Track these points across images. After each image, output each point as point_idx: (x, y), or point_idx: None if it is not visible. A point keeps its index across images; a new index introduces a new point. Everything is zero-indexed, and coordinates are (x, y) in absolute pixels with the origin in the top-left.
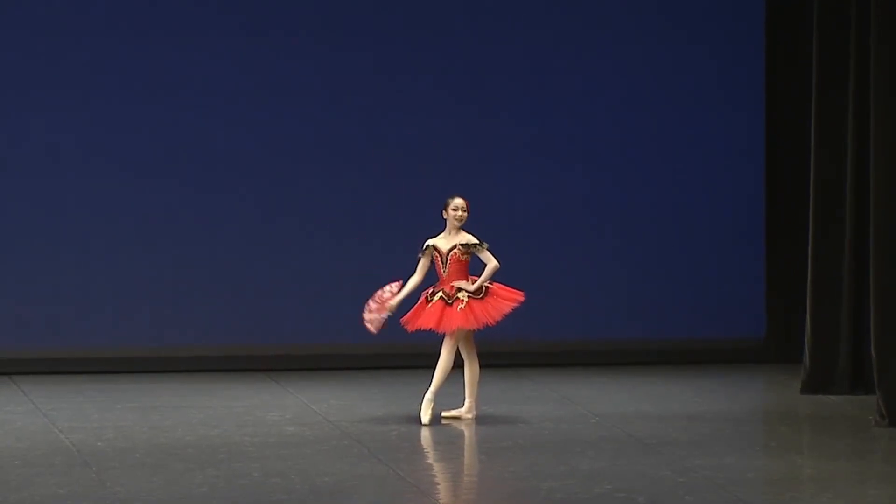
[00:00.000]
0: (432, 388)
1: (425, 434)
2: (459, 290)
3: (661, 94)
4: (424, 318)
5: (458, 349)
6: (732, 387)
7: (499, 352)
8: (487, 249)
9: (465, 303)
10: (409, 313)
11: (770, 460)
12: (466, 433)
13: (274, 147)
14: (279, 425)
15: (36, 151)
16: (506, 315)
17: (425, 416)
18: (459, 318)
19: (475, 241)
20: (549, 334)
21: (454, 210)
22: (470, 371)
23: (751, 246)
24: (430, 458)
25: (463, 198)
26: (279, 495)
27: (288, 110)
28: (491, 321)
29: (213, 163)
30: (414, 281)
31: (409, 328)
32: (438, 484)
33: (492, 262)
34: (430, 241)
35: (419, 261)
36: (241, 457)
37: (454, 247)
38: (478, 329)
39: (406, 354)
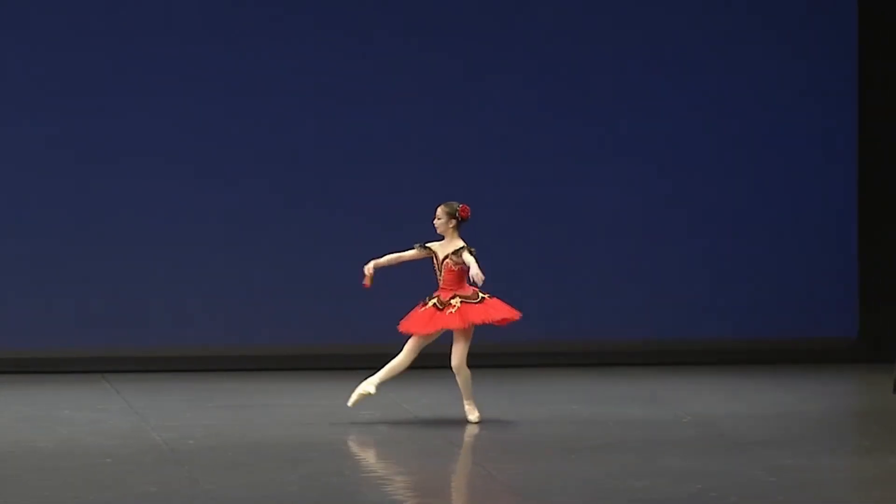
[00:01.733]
0: (376, 379)
1: (514, 433)
2: (454, 296)
3: (753, 95)
4: (413, 322)
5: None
6: (824, 386)
7: (589, 351)
8: (470, 253)
9: (456, 308)
10: (404, 318)
11: (862, 460)
12: (555, 433)
13: (364, 149)
14: (371, 423)
15: (133, 152)
16: (494, 321)
17: (351, 400)
18: (446, 320)
19: (461, 244)
20: (639, 333)
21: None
22: (462, 379)
23: (843, 246)
24: (520, 458)
25: (442, 205)
26: (370, 494)
27: (377, 111)
28: (478, 321)
29: (301, 164)
30: (398, 255)
31: (407, 329)
32: (529, 483)
33: (472, 264)
34: (431, 244)
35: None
36: (333, 455)
37: (447, 255)
38: (464, 328)
39: (496, 354)
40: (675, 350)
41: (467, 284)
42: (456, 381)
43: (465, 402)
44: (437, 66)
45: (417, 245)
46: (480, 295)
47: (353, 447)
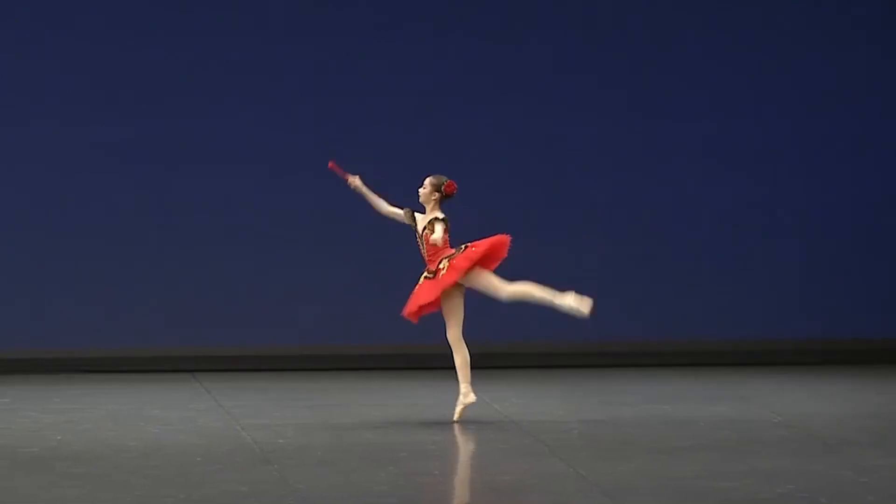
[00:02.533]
0: (466, 385)
1: (604, 433)
2: (441, 260)
3: (843, 94)
4: (421, 296)
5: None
6: None
7: (679, 351)
8: (438, 223)
9: (445, 267)
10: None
11: None
12: (645, 433)
13: (445, 145)
14: (459, 423)
15: (207, 151)
16: (486, 250)
17: (456, 414)
18: (442, 281)
19: (439, 214)
20: (729, 333)
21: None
22: (460, 358)
23: None
24: (609, 458)
25: (431, 176)
26: (461, 491)
27: (460, 109)
28: (468, 261)
29: (372, 162)
30: (384, 203)
31: (412, 317)
32: (619, 484)
33: (437, 230)
34: (417, 214)
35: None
36: (422, 455)
37: (425, 227)
38: (464, 275)
39: (587, 353)
40: (763, 349)
41: (450, 248)
42: (454, 358)
43: (463, 383)
44: (518, 63)
45: (406, 209)
46: (463, 246)
47: (442, 447)
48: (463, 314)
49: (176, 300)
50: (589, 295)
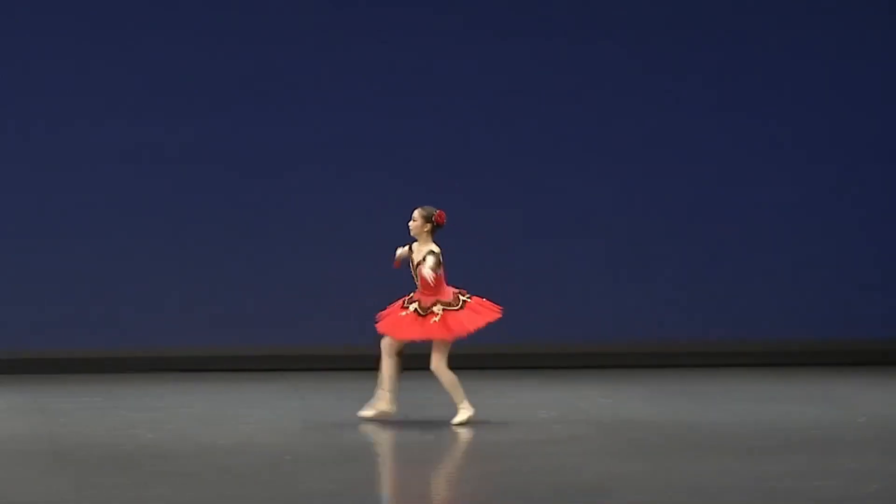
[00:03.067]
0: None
1: (689, 432)
2: (437, 303)
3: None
4: (403, 330)
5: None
6: None
7: (763, 351)
8: (432, 253)
9: (439, 316)
10: (385, 312)
11: None
12: (734, 432)
13: (535, 145)
14: (546, 422)
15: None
16: (479, 328)
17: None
18: (429, 329)
19: (434, 248)
20: (812, 333)
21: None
22: (447, 381)
23: None
24: (693, 457)
25: (419, 208)
26: (545, 491)
27: (551, 110)
28: (463, 332)
29: (453, 164)
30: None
31: (386, 332)
32: (701, 483)
33: (426, 264)
34: (415, 245)
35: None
36: (510, 453)
37: (420, 260)
38: (449, 340)
39: (674, 353)
40: (846, 350)
41: (446, 287)
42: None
43: (459, 404)
44: (610, 64)
45: (406, 247)
46: (461, 299)
47: (531, 445)
48: (447, 348)
49: (266, 300)
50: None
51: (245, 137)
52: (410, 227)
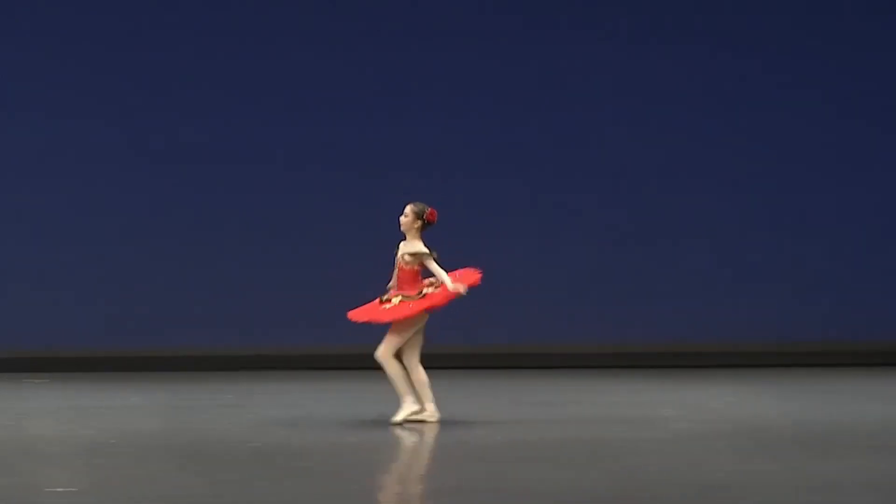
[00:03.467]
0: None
1: (816, 431)
2: (398, 295)
3: None
4: (360, 312)
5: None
6: None
7: (856, 351)
8: (435, 260)
9: (392, 303)
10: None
11: None
12: (855, 431)
13: (652, 148)
14: (673, 421)
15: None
16: (435, 307)
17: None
18: (378, 313)
19: (424, 250)
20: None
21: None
22: (416, 377)
23: None
24: (820, 456)
25: (412, 204)
26: (672, 489)
27: (668, 109)
28: (400, 316)
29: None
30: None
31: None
32: (827, 482)
33: (441, 275)
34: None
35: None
36: (636, 452)
37: (404, 253)
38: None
39: (800, 353)
40: None
41: (421, 282)
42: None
43: (402, 397)
44: (731, 70)
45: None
46: (423, 291)
47: (656, 444)
48: (397, 336)
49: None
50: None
51: (260, 137)
52: (401, 222)
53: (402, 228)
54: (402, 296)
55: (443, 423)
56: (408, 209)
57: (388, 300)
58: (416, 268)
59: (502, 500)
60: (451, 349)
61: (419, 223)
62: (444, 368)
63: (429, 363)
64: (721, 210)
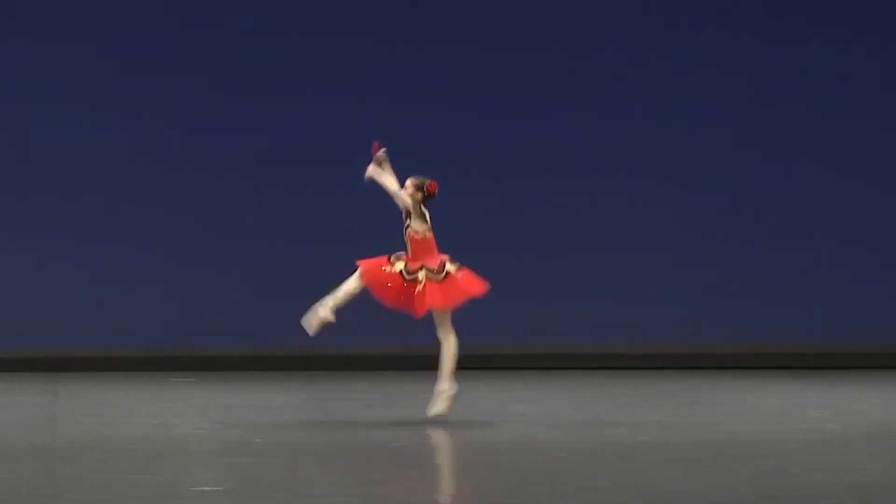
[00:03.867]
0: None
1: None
2: (421, 267)
3: None
4: (386, 292)
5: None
6: None
7: None
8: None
9: (422, 284)
10: (371, 265)
11: None
12: None
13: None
14: (820, 422)
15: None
16: (457, 304)
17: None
18: (408, 301)
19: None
20: None
21: None
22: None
23: None
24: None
25: (412, 177)
26: (817, 490)
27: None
28: (438, 305)
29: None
30: (394, 186)
31: (370, 285)
32: None
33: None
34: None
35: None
36: (781, 452)
37: (407, 226)
38: (420, 315)
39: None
40: None
41: (437, 253)
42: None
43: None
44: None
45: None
46: (446, 268)
47: (803, 445)
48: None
49: (540, 299)
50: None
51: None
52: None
53: (403, 203)
54: (426, 269)
55: (590, 424)
56: (408, 182)
57: (414, 276)
58: (427, 236)
59: (650, 501)
60: (590, 349)
61: (419, 195)
62: (584, 369)
63: (568, 364)
64: (868, 208)
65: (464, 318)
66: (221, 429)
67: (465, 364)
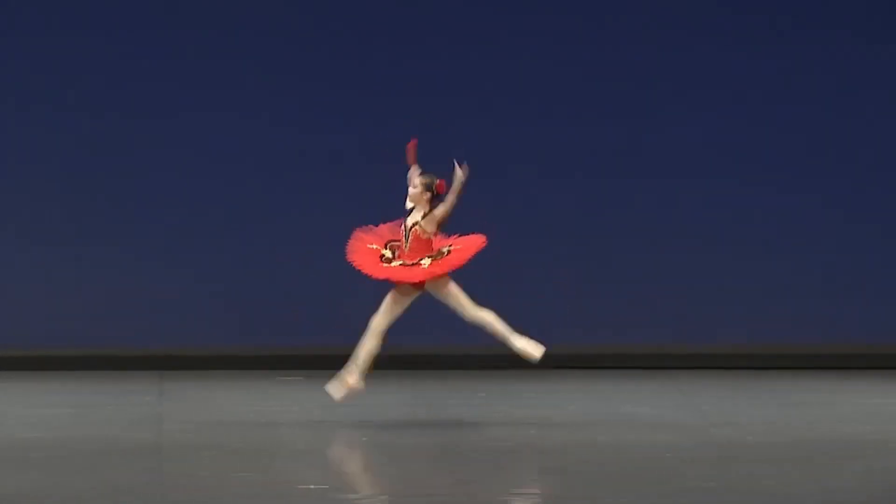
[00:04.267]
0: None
1: None
2: (425, 257)
3: None
4: (392, 272)
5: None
6: None
7: None
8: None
9: (427, 263)
10: (361, 256)
11: None
12: None
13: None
14: None
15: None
16: (468, 260)
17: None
18: (424, 272)
19: (437, 211)
20: None
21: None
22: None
23: None
24: None
25: (421, 175)
26: None
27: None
28: (451, 266)
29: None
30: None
31: (377, 274)
32: None
33: (452, 198)
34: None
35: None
36: (887, 453)
37: (416, 222)
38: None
39: None
40: None
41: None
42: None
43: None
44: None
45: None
46: (443, 251)
47: None
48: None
49: (646, 297)
50: None
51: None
52: (410, 194)
53: (411, 201)
54: (428, 258)
55: (695, 424)
56: (418, 181)
57: (418, 264)
58: (432, 238)
59: (757, 502)
60: (695, 349)
61: (428, 194)
62: (689, 369)
63: (673, 363)
64: None
65: (577, 318)
66: (327, 427)
67: (574, 363)
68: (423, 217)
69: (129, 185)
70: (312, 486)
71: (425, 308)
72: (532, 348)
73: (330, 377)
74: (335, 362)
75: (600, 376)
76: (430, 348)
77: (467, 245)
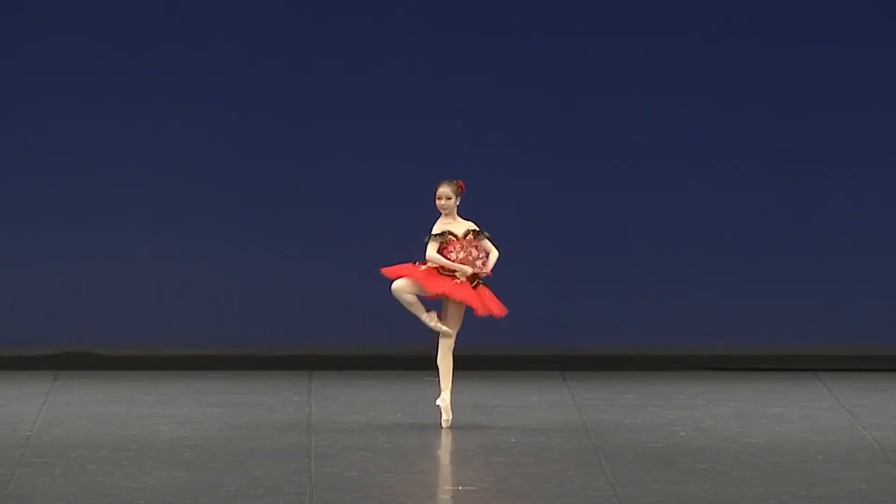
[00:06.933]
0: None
1: None
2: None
3: None
4: (446, 285)
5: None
6: None
7: None
8: (488, 239)
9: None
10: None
11: None
12: None
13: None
14: None
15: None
16: (483, 313)
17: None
18: (451, 287)
19: (476, 228)
20: None
21: (438, 199)
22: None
23: None
24: None
25: (447, 183)
26: None
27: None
28: (475, 306)
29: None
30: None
31: (430, 288)
32: None
33: (494, 252)
34: (440, 228)
35: (427, 244)
36: None
37: (467, 231)
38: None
39: None
40: None
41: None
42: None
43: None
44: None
45: (434, 237)
46: (476, 280)
47: None
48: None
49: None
50: None
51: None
52: (445, 206)
53: (445, 212)
54: (463, 273)
55: (846, 426)
56: (449, 190)
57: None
58: (481, 250)
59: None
60: (845, 350)
61: (459, 199)
62: (839, 371)
63: (823, 365)
64: None
65: (722, 320)
66: (475, 428)
67: (729, 365)
68: (475, 233)
69: (290, 188)
70: (461, 488)
71: (580, 308)
72: (443, 412)
73: (478, 378)
74: (480, 363)
75: (754, 378)
76: (579, 349)
77: (492, 298)
